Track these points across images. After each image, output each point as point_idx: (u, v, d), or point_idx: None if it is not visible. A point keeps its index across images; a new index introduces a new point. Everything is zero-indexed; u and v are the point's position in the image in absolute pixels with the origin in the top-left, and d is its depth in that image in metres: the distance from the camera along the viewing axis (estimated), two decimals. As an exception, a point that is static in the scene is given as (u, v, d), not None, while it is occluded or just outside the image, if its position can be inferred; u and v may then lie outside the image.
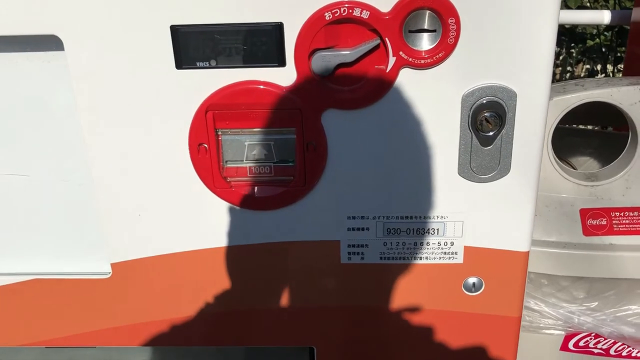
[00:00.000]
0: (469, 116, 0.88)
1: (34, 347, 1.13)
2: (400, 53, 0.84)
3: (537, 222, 1.19)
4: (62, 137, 0.96)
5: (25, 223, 1.03)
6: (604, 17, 1.94)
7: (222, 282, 1.01)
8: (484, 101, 0.87)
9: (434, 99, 0.88)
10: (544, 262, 1.18)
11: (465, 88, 0.87)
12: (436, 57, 0.84)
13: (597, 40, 3.90)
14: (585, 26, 3.68)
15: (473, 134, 0.89)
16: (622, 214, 1.18)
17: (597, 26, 3.54)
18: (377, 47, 0.84)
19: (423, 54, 0.84)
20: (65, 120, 0.94)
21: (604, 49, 3.76)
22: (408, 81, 0.87)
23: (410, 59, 0.84)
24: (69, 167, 0.98)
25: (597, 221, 1.18)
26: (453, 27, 0.82)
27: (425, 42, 0.84)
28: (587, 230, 1.18)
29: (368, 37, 0.84)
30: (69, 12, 0.84)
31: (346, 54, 0.84)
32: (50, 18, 0.84)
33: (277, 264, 1.00)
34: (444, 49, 0.84)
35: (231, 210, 0.96)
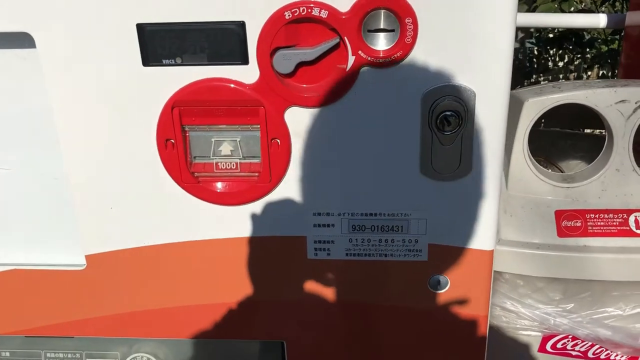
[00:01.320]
0: (429, 115, 0.89)
1: (15, 336, 1.17)
2: (360, 52, 0.86)
3: (513, 222, 1.20)
4: (37, 132, 0.99)
5: (3, 215, 1.06)
6: (599, 20, 1.93)
7: (191, 275, 1.04)
8: (444, 100, 0.88)
9: (395, 97, 0.89)
10: (519, 262, 1.18)
11: (424, 87, 0.88)
12: (395, 57, 0.86)
13: (609, 46, 3.87)
14: (589, 30, 3.66)
15: (434, 132, 0.90)
16: (597, 216, 1.18)
17: (605, 32, 3.51)
18: (337, 46, 0.86)
19: (381, 53, 0.86)
20: (40, 115, 0.97)
21: (618, 57, 3.73)
22: (368, 80, 0.88)
23: (369, 58, 0.86)
24: (45, 160, 1.01)
25: (572, 222, 1.18)
26: (410, 26, 0.84)
27: (383, 42, 0.86)
28: (562, 232, 1.18)
29: (328, 37, 0.86)
30: (39, 10, 0.87)
31: (307, 53, 0.86)
32: (21, 16, 0.87)
33: (245, 258, 1.02)
34: (402, 49, 0.85)
35: (199, 205, 0.98)
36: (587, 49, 3.98)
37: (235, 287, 1.04)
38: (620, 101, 1.17)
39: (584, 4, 3.87)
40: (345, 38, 0.85)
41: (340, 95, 0.89)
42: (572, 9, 2.84)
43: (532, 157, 1.22)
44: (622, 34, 3.42)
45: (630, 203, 1.19)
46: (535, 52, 4.77)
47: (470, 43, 0.85)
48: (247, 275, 1.03)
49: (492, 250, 0.99)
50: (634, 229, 1.17)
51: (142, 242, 1.02)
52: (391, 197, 0.96)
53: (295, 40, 0.87)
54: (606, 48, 3.94)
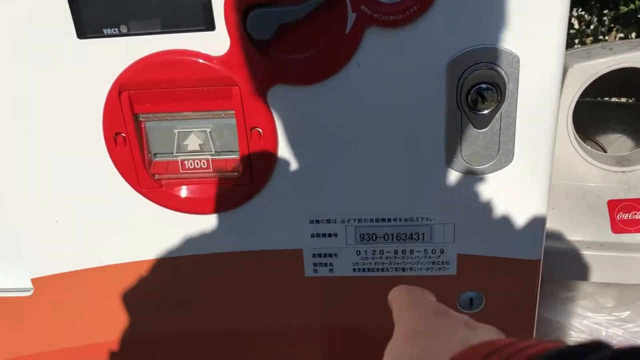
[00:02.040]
0: (457, 90, 0.67)
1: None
2: (363, 7, 0.63)
3: (555, 216, 0.98)
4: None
5: None
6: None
7: (155, 300, 0.83)
8: (477, 70, 0.66)
9: (411, 68, 0.67)
10: (565, 265, 0.97)
11: (451, 53, 0.66)
12: (410, 12, 0.63)
13: (632, 6, 3.59)
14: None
15: (464, 113, 0.68)
16: (660, 205, 0.96)
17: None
18: (332, 0, 0.64)
19: (393, 7, 0.63)
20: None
21: (639, 15, 3.45)
22: (376, 45, 0.66)
23: (376, 15, 0.64)
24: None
25: (630, 215, 0.96)
26: (430, -31, 0.61)
27: (394, -8, 0.63)
28: (617, 227, 0.96)
29: (321, -12, 0.64)
30: None
31: (291, 11, 0.64)
32: None
33: (227, 279, 0.81)
34: (419, 1, 0.63)
35: (163, 215, 0.77)
36: (605, 12, 3.70)
37: (213, 313, 0.84)
38: (688, 63, 0.94)
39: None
40: (343, -11, 0.63)
41: (339, 68, 0.67)
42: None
43: (577, 136, 1.00)
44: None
45: (701, 189, 0.97)
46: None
47: (512, -10, 0.63)
48: (230, 298, 0.82)
49: (539, 260, 0.78)
50: None
51: (95, 262, 0.81)
52: (409, 198, 0.75)
53: (275, -4, 0.64)
54: (626, 9, 3.66)
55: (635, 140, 1.49)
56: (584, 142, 1.32)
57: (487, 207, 0.74)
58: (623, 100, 1.58)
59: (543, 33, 0.64)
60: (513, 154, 0.70)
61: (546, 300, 1.05)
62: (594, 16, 4.30)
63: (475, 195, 0.74)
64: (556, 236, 0.98)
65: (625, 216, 0.96)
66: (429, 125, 0.70)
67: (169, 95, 0.70)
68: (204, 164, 0.74)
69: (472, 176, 0.72)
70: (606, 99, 1.53)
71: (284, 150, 0.72)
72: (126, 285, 0.82)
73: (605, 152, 1.46)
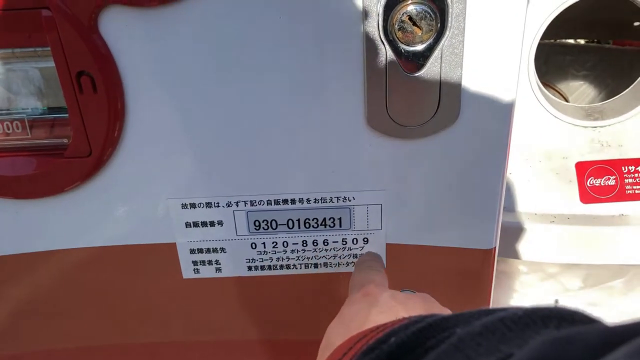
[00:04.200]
0: (378, 15, 0.45)
1: None
2: None
3: (514, 183, 0.80)
4: None
5: None
6: None
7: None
8: (406, -18, 0.44)
9: (311, -20, 0.45)
10: (525, 243, 0.80)
11: (367, -44, 0.44)
12: None
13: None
14: None
15: (388, 48, 0.47)
16: (639, 169, 0.79)
17: None
18: None
19: None
20: None
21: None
22: (255, -55, 0.43)
23: None
24: None
25: (602, 180, 0.78)
26: None
27: None
28: (587, 195, 0.79)
29: None
30: None
31: None
32: None
33: (70, 285, 0.59)
34: None
35: (-31, 201, 0.54)
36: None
37: (68, 329, 0.62)
38: (679, -10, 0.74)
39: None
40: None
41: (202, -19, 0.44)
42: None
43: (539, 83, 0.80)
44: None
45: (687, 148, 0.79)
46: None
47: None
48: (79, 310, 0.61)
49: (494, 249, 0.59)
50: (694, 187, 0.78)
51: None
52: (319, 170, 0.54)
53: None
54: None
55: (598, 87, 1.32)
56: (549, 91, 1.14)
57: (424, 181, 0.54)
58: (582, 42, 1.40)
59: None
60: (459, 109, 0.50)
61: (501, 283, 0.87)
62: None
63: (407, 166, 0.53)
64: (512, 208, 0.79)
65: (597, 182, 0.78)
66: (339, 68, 0.48)
67: (-50, 24, 0.46)
68: (17, 127, 0.51)
69: (403, 140, 0.52)
70: (565, 40, 1.35)
71: (132, 104, 0.50)
72: None
73: (567, 100, 1.28)
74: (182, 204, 0.55)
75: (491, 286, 0.61)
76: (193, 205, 0.55)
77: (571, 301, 0.86)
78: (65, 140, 0.51)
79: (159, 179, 0.53)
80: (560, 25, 1.22)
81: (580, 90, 1.33)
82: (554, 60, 1.34)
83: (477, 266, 0.59)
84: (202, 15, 0.46)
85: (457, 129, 0.51)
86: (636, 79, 0.81)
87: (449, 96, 0.49)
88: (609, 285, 0.85)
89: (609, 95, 1.15)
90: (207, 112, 0.50)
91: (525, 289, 0.86)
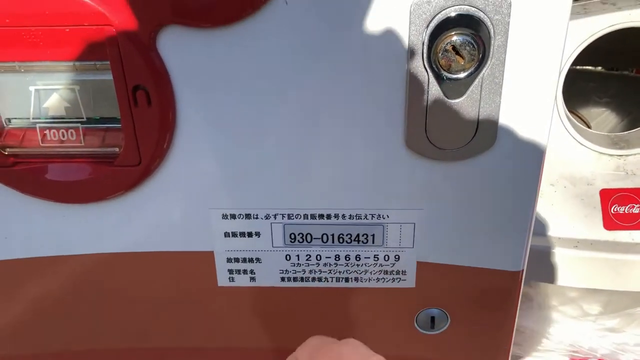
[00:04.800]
0: (423, 43, 0.48)
1: None
2: None
3: (539, 208, 0.81)
4: None
5: None
6: None
7: (18, 307, 0.63)
8: (451, 14, 0.46)
9: (361, 10, 0.47)
10: (547, 266, 0.81)
11: (415, -11, 0.46)
12: None
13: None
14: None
15: (431, 74, 0.49)
16: (662, 198, 0.80)
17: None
18: None
19: None
20: None
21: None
22: (309, -26, 0.46)
23: None
24: None
25: (626, 208, 0.80)
26: None
27: None
28: (611, 222, 0.80)
29: None
30: None
31: None
32: None
33: (112, 287, 0.62)
34: None
35: (19, 203, 0.56)
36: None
37: (95, 329, 0.65)
38: None
39: None
40: None
41: (259, 4, 0.47)
42: None
43: (567, 110, 0.82)
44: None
45: None
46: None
47: None
48: (119, 312, 0.63)
49: (522, 272, 0.60)
50: None
51: None
52: (356, 188, 0.56)
53: None
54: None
55: (620, 115, 1.33)
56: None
57: (457, 203, 0.56)
58: (605, 70, 1.41)
59: (547, -36, 0.45)
60: (496, 134, 0.52)
61: (521, 305, 0.88)
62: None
63: (442, 188, 0.55)
64: (537, 232, 0.81)
65: (621, 209, 0.80)
66: (382, 91, 0.50)
67: (17, 37, 0.49)
68: (72, 135, 0.53)
69: (440, 162, 0.54)
70: (588, 67, 1.36)
71: (183, 118, 0.52)
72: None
73: (589, 126, 1.29)
74: (223, 214, 0.57)
75: (517, 307, 0.63)
76: (233, 216, 0.57)
77: (590, 326, 0.87)
78: (116, 149, 0.53)
79: (202, 190, 0.56)
80: (583, 52, 1.24)
81: (603, 116, 1.34)
82: (577, 86, 1.35)
83: (505, 287, 0.60)
84: (255, 38, 0.48)
85: (493, 154, 0.53)
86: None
87: (486, 122, 0.51)
88: (629, 312, 0.86)
89: (631, 123, 1.17)
90: (252, 130, 0.53)
91: (544, 312, 0.87)
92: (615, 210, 0.80)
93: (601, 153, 0.82)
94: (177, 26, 0.48)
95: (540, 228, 0.81)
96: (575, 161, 0.82)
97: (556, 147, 0.82)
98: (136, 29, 0.48)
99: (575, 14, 0.79)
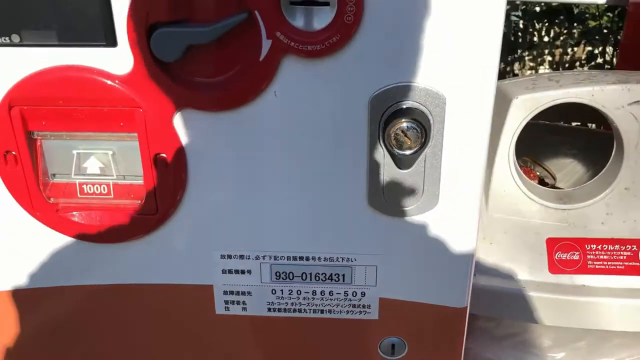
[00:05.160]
0: (380, 127, 0.62)
1: None
2: (278, 34, 0.58)
3: (493, 252, 0.94)
4: None
5: None
6: (599, -4, 1.67)
7: (48, 330, 0.76)
8: (399, 108, 0.61)
9: (331, 102, 0.62)
10: (499, 304, 0.94)
11: (373, 88, 0.61)
12: (330, 42, 0.58)
13: (599, 21, 3.62)
14: (586, 5, 3.39)
15: (386, 151, 0.63)
16: (599, 247, 0.93)
17: (598, 7, 3.25)
18: (247, 23, 0.58)
19: (310, 37, 0.58)
20: None
21: (605, 31, 3.47)
22: (293, 75, 0.61)
23: (293, 44, 0.58)
24: None
25: (568, 255, 0.93)
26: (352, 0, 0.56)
27: (314, 20, 0.58)
28: (555, 267, 0.93)
29: (235, 10, 0.58)
30: None
31: (201, 32, 0.58)
32: None
33: (128, 312, 0.75)
34: (340, 31, 0.57)
35: (59, 242, 0.70)
36: (575, 24, 3.72)
37: (120, 348, 0.77)
38: (635, 102, 0.90)
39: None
40: (257, 12, 0.57)
41: (254, 96, 0.62)
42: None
43: (519, 169, 0.96)
44: (618, 10, 3.16)
45: (641, 232, 0.94)
46: (521, 26, 4.50)
47: (440, 27, 0.58)
48: (133, 334, 0.76)
49: (466, 308, 0.73)
50: (645, 265, 0.92)
51: (-14, 289, 0.74)
52: (329, 236, 0.70)
53: (185, 14, 0.58)
54: (594, 23, 3.68)
55: (586, 166, 1.46)
56: (534, 167, 1.29)
57: (410, 250, 0.70)
58: (573, 125, 1.56)
59: (473, 75, 0.59)
60: (438, 198, 0.66)
61: (479, 337, 1.01)
62: (562, 29, 4.33)
63: (398, 238, 0.69)
64: (492, 272, 0.94)
65: (564, 256, 0.93)
66: (349, 162, 0.64)
67: (67, 114, 0.64)
68: (104, 189, 0.68)
69: (395, 218, 0.67)
70: (559, 123, 1.51)
71: (192, 179, 0.66)
72: (19, 313, 0.75)
73: (554, 178, 1.43)
74: (221, 255, 0.71)
75: (463, 337, 0.75)
76: (230, 256, 0.71)
77: (542, 357, 0.99)
78: (138, 201, 0.67)
79: (206, 234, 0.70)
80: (553, 109, 1.40)
81: (569, 168, 1.47)
82: (546, 140, 1.49)
83: (453, 320, 0.73)
84: (251, 120, 0.62)
85: (436, 212, 0.67)
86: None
87: (430, 188, 0.65)
88: (574, 346, 0.98)
89: (596, 174, 1.30)
90: (247, 188, 0.67)
91: (500, 344, 1.00)
92: (558, 256, 0.93)
93: (548, 207, 0.95)
94: (190, 109, 0.62)
95: (495, 270, 0.93)
96: (525, 213, 0.95)
97: (509, 201, 0.95)
98: (159, 111, 0.62)
99: (524, 88, 0.93)
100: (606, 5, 2.68)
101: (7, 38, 0.60)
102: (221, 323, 0.75)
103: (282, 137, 0.64)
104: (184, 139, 0.64)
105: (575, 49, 4.30)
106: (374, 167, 0.64)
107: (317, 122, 0.63)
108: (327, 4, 0.57)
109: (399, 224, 0.68)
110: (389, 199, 0.66)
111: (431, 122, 0.61)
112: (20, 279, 0.73)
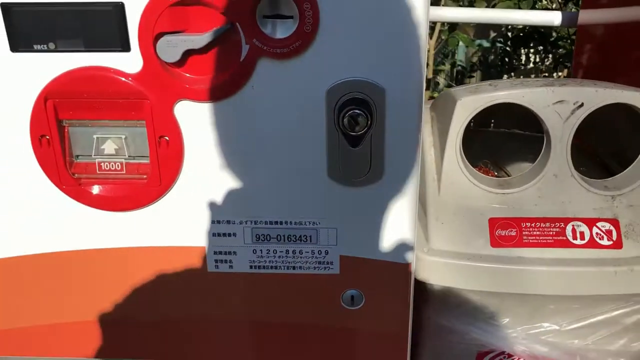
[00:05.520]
0: (334, 113, 0.80)
1: None
2: (254, 41, 0.76)
3: (444, 231, 1.11)
4: None
5: None
6: (554, 18, 1.86)
7: (70, 289, 0.93)
8: (350, 97, 0.78)
9: (297, 93, 0.79)
10: (451, 274, 1.10)
11: (329, 82, 0.78)
12: (294, 46, 0.76)
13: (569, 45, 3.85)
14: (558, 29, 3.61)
15: (341, 133, 0.81)
16: (532, 224, 1.10)
17: (568, 31, 3.47)
18: (230, 33, 0.76)
19: (278, 42, 0.76)
20: None
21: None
22: (267, 72, 0.78)
23: (266, 47, 0.76)
24: None
25: (507, 232, 1.10)
26: (309, 12, 0.74)
27: (280, 29, 0.76)
28: (495, 242, 1.10)
29: (221, 22, 0.76)
30: None
31: (195, 39, 0.76)
32: None
33: (134, 271, 0.91)
34: (301, 38, 0.75)
35: (81, 211, 0.87)
36: (557, 49, 3.95)
37: (125, 302, 0.94)
38: (558, 101, 1.08)
39: (548, 3, 3.83)
40: (238, 24, 0.75)
41: (236, 89, 0.79)
42: (530, 7, 2.78)
43: (465, 160, 1.14)
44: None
45: (567, 211, 1.11)
46: (508, 51, 4.74)
47: (379, 34, 0.76)
48: (138, 289, 0.92)
49: (410, 264, 0.90)
50: (571, 239, 1.10)
51: (19, 251, 0.90)
52: (298, 204, 0.87)
53: (183, 25, 0.76)
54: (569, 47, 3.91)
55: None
56: (494, 170, 1.46)
57: (364, 214, 0.86)
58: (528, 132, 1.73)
59: (405, 72, 0.77)
60: (383, 170, 0.83)
61: (437, 306, 1.17)
62: (547, 54, 4.57)
63: (353, 204, 0.86)
64: (444, 248, 1.10)
65: (503, 233, 1.09)
66: (313, 142, 0.82)
67: (90, 105, 0.81)
68: (118, 167, 0.85)
69: (350, 187, 0.84)
70: (515, 130, 1.69)
71: (188, 156, 0.83)
72: (48, 273, 0.91)
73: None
74: (212, 220, 0.88)
75: (410, 289, 0.92)
76: (219, 222, 0.88)
77: (490, 322, 1.15)
78: (144, 176, 0.84)
79: (199, 202, 0.86)
80: (514, 118, 1.59)
81: (526, 170, 1.65)
82: (508, 146, 1.67)
83: (400, 274, 0.90)
84: (234, 108, 0.80)
85: (383, 182, 0.84)
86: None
87: (376, 162, 0.82)
88: (517, 312, 1.14)
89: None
90: (232, 166, 0.84)
91: (454, 311, 1.16)
92: (498, 233, 1.09)
93: (490, 192, 1.12)
94: (187, 100, 0.80)
95: (445, 245, 1.10)
96: (471, 197, 1.12)
97: (458, 187, 1.12)
98: (162, 102, 0.80)
99: (468, 92, 1.11)
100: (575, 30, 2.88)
101: (45, 45, 0.78)
102: (212, 279, 0.91)
103: (259, 122, 0.81)
104: (182, 124, 0.81)
105: (559, 72, 4.53)
106: (331, 146, 0.81)
107: (286, 110, 0.80)
108: (291, 17, 0.75)
109: (354, 193, 0.85)
110: (344, 172, 0.83)
111: (374, 109, 0.79)
112: (50, 244, 0.89)
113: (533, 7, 2.92)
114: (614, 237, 1.10)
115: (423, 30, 0.76)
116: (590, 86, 1.10)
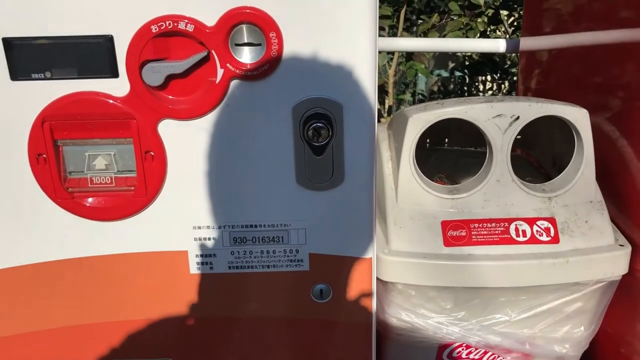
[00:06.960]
0: (300, 126, 0.92)
1: None
2: (228, 65, 0.88)
3: (402, 234, 1.23)
4: None
5: None
6: (499, 45, 2.04)
7: (66, 295, 1.01)
8: (313, 112, 0.91)
9: (267, 109, 0.91)
10: (410, 273, 1.21)
11: (294, 99, 0.91)
12: (262, 69, 0.88)
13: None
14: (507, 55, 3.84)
15: (305, 143, 0.93)
16: (480, 225, 1.23)
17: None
18: (207, 59, 0.88)
19: (249, 66, 0.88)
20: None
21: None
22: (239, 92, 0.90)
23: (238, 71, 0.88)
24: None
25: (457, 232, 1.22)
26: (275, 40, 0.86)
27: (250, 55, 0.88)
28: (448, 241, 1.22)
29: (198, 50, 0.88)
30: None
31: (175, 65, 0.87)
32: None
33: (125, 275, 1.01)
34: (269, 62, 0.88)
35: (75, 222, 0.96)
36: (512, 76, 4.17)
37: (115, 305, 1.03)
38: (497, 115, 1.23)
39: (502, 33, 4.07)
40: (213, 52, 0.87)
41: (212, 107, 0.91)
42: (477, 36, 2.98)
43: (419, 170, 1.27)
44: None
45: (510, 212, 1.25)
46: (466, 80, 4.98)
47: (334, 57, 0.88)
48: (128, 293, 1.02)
49: (371, 258, 1.02)
50: (514, 237, 1.23)
51: (14, 261, 0.99)
52: (270, 208, 0.98)
53: (165, 54, 0.88)
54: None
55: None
56: (448, 181, 1.59)
57: (329, 215, 0.98)
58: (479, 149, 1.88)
59: (359, 90, 0.90)
60: (344, 176, 0.95)
61: (399, 303, 1.28)
62: (502, 82, 4.81)
63: (319, 206, 0.97)
64: (402, 249, 1.22)
65: (454, 233, 1.22)
66: (281, 152, 0.94)
67: (82, 126, 0.91)
68: (108, 180, 0.95)
69: (316, 192, 0.96)
70: (468, 148, 1.83)
71: (172, 169, 0.94)
72: (43, 281, 1.00)
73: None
74: (193, 226, 0.98)
75: (372, 280, 1.03)
76: (199, 227, 0.98)
77: (447, 318, 1.27)
78: (132, 188, 0.95)
79: (182, 210, 0.97)
80: (468, 136, 1.74)
81: (479, 182, 1.78)
82: (462, 162, 1.81)
83: (362, 267, 1.01)
84: (212, 124, 0.91)
85: (344, 187, 0.96)
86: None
87: (337, 169, 0.94)
88: (470, 305, 1.27)
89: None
90: (210, 177, 0.95)
91: (414, 308, 1.27)
92: (450, 234, 1.22)
93: (441, 198, 1.25)
94: (169, 119, 0.91)
95: (404, 247, 1.22)
96: (425, 203, 1.24)
97: (413, 195, 1.25)
98: (147, 121, 0.91)
99: (418, 110, 1.25)
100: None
101: (42, 74, 0.88)
102: (195, 280, 1.01)
103: (234, 136, 0.93)
104: (165, 140, 0.92)
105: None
106: (298, 155, 0.93)
107: (257, 125, 0.92)
108: (259, 44, 0.88)
109: (319, 196, 0.97)
110: (310, 178, 0.95)
111: (334, 122, 0.91)
112: (45, 254, 0.98)
113: (484, 36, 3.13)
114: (552, 233, 1.23)
115: (372, 56, 0.89)
116: (525, 101, 1.25)
